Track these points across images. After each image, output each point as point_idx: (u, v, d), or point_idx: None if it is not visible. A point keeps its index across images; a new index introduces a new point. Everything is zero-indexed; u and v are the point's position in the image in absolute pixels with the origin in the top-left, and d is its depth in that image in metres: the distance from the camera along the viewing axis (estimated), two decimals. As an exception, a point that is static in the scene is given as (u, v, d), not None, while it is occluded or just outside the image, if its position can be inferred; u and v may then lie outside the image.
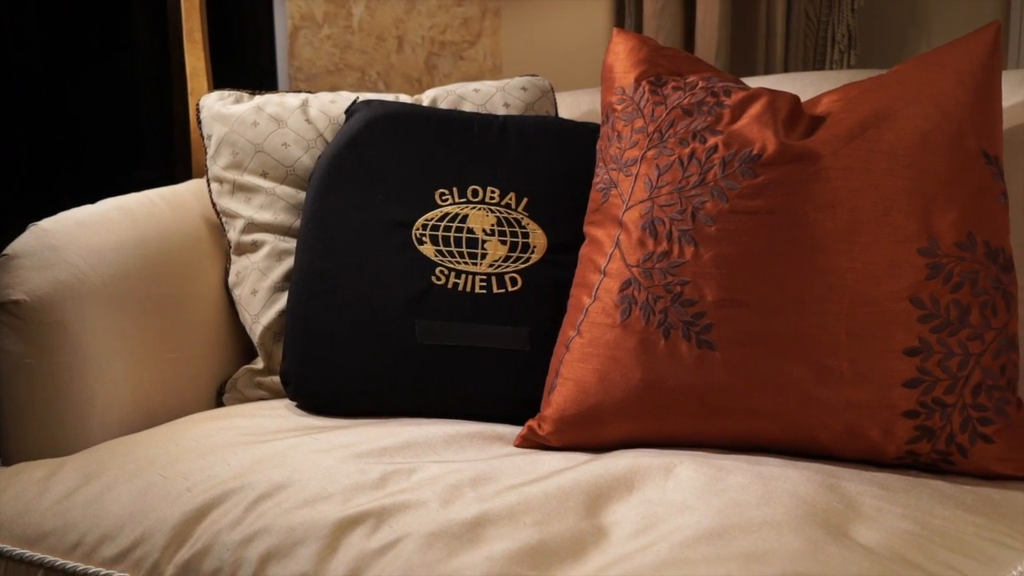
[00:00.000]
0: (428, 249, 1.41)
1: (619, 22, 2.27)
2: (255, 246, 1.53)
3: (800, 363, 1.18)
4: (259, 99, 1.59)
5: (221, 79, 1.85)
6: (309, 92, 1.62)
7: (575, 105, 1.74)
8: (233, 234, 1.55)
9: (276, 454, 1.19)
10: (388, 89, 2.27)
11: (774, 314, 1.19)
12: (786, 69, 2.13)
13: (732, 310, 1.20)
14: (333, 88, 2.19)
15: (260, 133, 1.55)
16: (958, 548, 1.01)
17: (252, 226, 1.54)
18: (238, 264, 1.54)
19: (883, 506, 1.06)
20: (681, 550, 0.96)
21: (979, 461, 1.17)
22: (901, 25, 2.10)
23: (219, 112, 1.57)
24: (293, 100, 1.59)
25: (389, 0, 2.27)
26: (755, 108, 1.26)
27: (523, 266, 1.41)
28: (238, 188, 1.55)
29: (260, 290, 1.51)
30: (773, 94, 1.28)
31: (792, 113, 1.27)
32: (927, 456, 1.18)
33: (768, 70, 2.12)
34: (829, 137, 1.22)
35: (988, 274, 1.18)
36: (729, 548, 0.96)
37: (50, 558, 1.13)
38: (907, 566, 0.96)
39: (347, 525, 1.03)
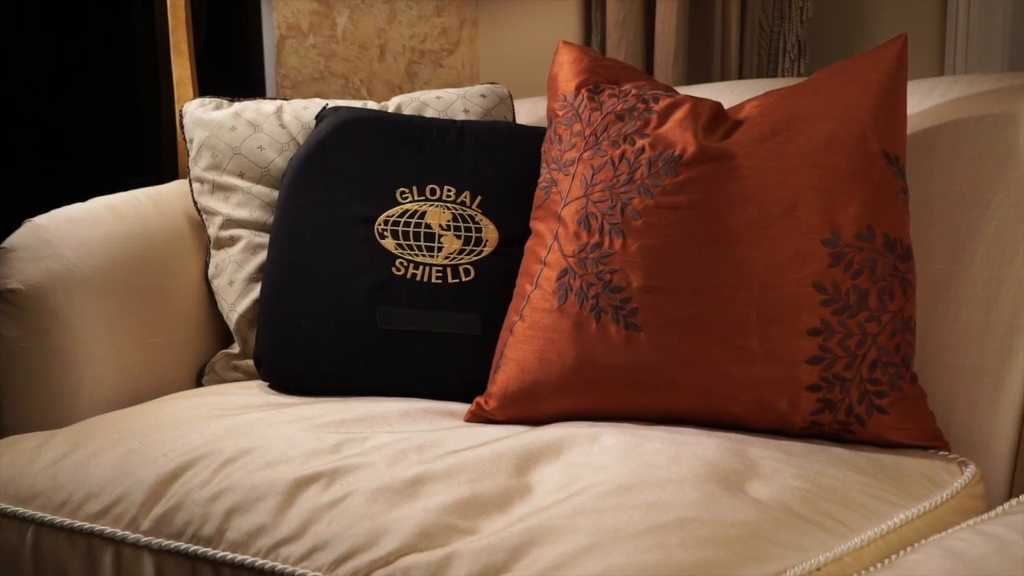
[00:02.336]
0: (389, 243, 1.54)
1: (587, 32, 2.40)
2: (232, 241, 1.67)
3: (716, 343, 1.31)
4: (237, 105, 1.73)
5: (217, 86, 1.98)
6: (284, 99, 1.75)
7: (533, 111, 1.87)
8: (212, 230, 1.68)
9: (244, 425, 1.32)
10: (371, 95, 2.39)
11: (693, 299, 1.32)
12: (740, 76, 2.26)
13: (655, 295, 1.33)
14: (319, 95, 2.32)
15: (238, 137, 1.68)
16: (842, 502, 1.14)
17: (230, 222, 1.67)
18: (217, 257, 1.68)
19: (780, 467, 1.19)
20: (593, 501, 1.09)
21: (876, 430, 1.30)
22: (848, 34, 2.23)
23: (200, 118, 1.71)
24: (268, 106, 1.72)
25: (371, 11, 2.39)
26: (678, 114, 1.39)
27: (476, 258, 1.54)
28: (217, 188, 1.68)
29: (236, 281, 1.65)
30: (696, 101, 1.41)
31: (712, 118, 1.40)
32: (829, 426, 1.31)
33: (724, 77, 2.25)
34: (743, 139, 1.35)
35: (886, 263, 1.31)
36: (635, 499, 1.09)
37: (40, 514, 1.26)
38: (790, 515, 1.09)
39: (303, 483, 1.16)
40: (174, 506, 1.20)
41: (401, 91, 2.40)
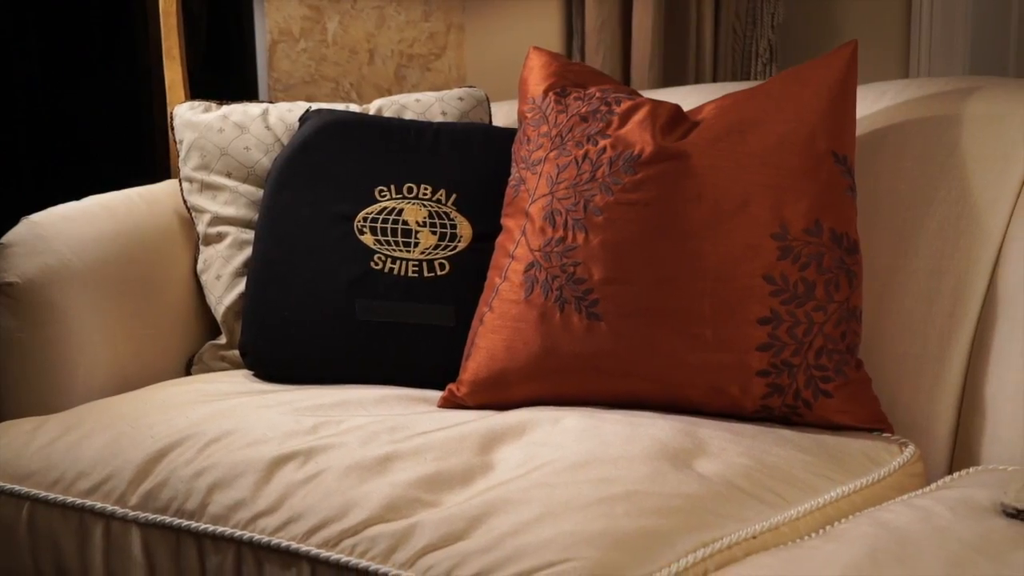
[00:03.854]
0: (368, 239, 1.62)
1: (568, 37, 2.48)
2: (220, 237, 1.75)
3: (672, 332, 1.39)
4: (225, 108, 1.81)
5: (213, 89, 2.05)
6: (270, 103, 1.84)
7: (511, 113, 1.93)
8: (201, 227, 1.77)
9: (228, 409, 1.41)
10: (361, 99, 2.46)
11: (650, 290, 1.40)
12: (715, 79, 2.34)
13: (615, 287, 1.40)
14: (310, 98, 2.39)
15: (225, 138, 1.76)
16: (784, 478, 1.22)
17: (217, 220, 1.75)
18: (205, 253, 1.76)
19: (728, 446, 1.27)
20: (549, 477, 1.17)
21: (822, 413, 1.38)
22: (817, 38, 2.31)
23: (190, 120, 1.79)
24: (255, 109, 1.80)
25: (361, 16, 2.47)
26: (638, 115, 1.47)
27: (451, 253, 1.62)
28: (206, 187, 1.76)
29: (223, 275, 1.73)
30: (655, 104, 1.49)
31: (670, 119, 1.48)
32: (779, 409, 1.38)
33: (698, 80, 2.33)
34: (699, 140, 1.43)
35: (833, 256, 1.39)
36: (587, 475, 1.17)
37: (35, 491, 1.35)
38: (733, 489, 1.17)
39: (280, 461, 1.24)
40: (160, 483, 1.28)
41: (390, 94, 2.47)
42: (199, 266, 1.77)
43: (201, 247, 1.77)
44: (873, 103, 1.61)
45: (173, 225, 1.80)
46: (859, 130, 1.51)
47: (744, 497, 1.16)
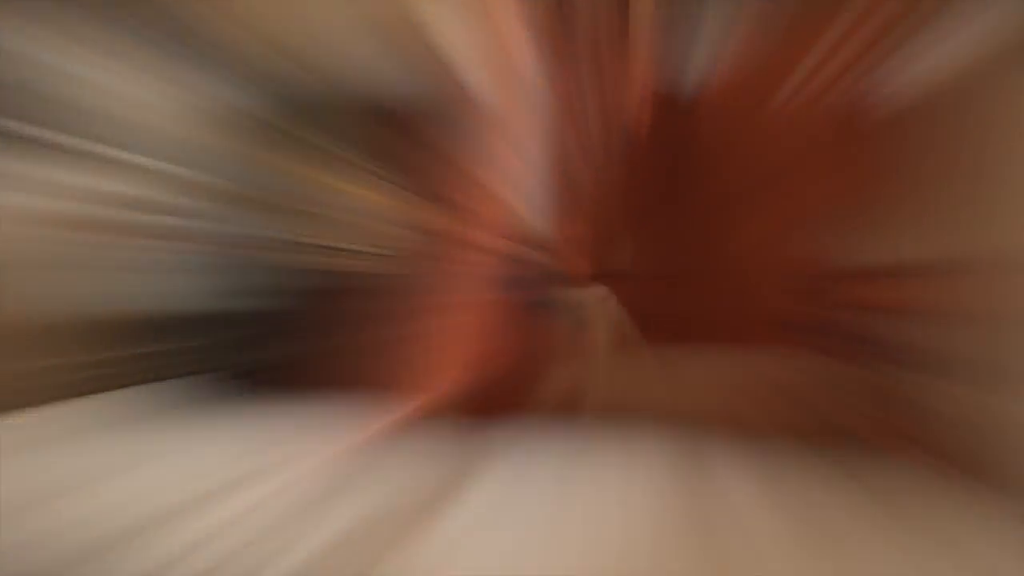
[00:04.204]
0: (324, 223, 1.43)
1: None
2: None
3: (672, 338, 1.22)
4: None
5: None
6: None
7: (484, 84, 1.76)
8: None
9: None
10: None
11: (644, 288, 1.23)
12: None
13: (607, 283, 1.24)
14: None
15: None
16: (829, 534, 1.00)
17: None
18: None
19: (745, 487, 1.06)
20: (529, 508, 1.01)
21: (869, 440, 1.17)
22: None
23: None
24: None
25: None
26: (634, 78, 1.28)
27: (419, 248, 1.41)
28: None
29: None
30: (654, 62, 1.30)
31: (673, 83, 1.28)
32: (810, 436, 1.17)
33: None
34: (708, 106, 1.26)
35: (873, 244, 1.19)
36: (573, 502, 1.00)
37: None
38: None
39: (191, 507, 1.04)
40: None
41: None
42: None
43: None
44: (926, 55, 1.37)
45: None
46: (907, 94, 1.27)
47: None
